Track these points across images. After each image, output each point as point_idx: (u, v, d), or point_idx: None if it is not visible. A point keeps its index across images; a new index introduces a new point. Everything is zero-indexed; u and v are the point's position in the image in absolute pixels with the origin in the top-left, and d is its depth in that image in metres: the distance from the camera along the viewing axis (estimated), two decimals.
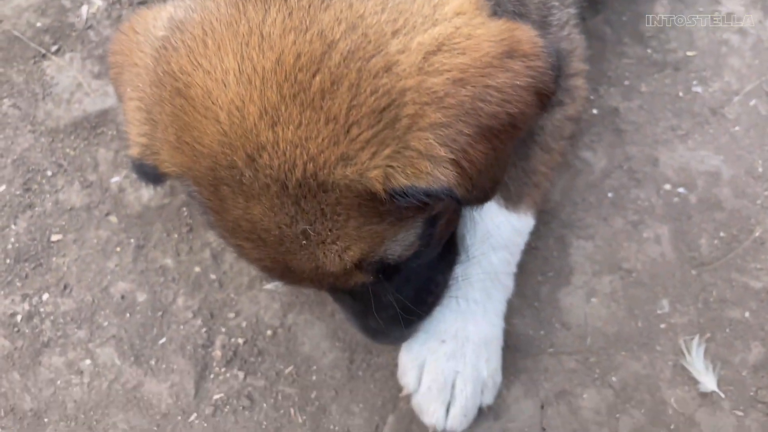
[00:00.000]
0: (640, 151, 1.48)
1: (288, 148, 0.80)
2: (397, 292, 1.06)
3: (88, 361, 1.33)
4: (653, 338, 1.32)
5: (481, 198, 0.94)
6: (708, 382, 1.28)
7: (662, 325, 1.33)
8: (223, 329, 1.34)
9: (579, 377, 1.30)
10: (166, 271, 1.39)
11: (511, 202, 1.25)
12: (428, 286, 1.15)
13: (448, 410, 1.21)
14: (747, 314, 1.33)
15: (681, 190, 1.44)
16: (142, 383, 1.31)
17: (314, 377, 1.31)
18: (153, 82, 0.90)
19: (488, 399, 1.24)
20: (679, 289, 1.36)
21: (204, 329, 1.34)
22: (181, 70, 0.84)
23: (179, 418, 1.29)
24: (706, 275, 1.37)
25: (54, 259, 1.40)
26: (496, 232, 1.23)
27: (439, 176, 0.83)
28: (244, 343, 1.33)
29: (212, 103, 0.82)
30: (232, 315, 1.36)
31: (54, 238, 1.43)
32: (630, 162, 1.47)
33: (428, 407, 1.21)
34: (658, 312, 1.34)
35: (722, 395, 1.27)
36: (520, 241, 1.29)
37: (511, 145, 0.93)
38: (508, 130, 0.87)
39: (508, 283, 1.29)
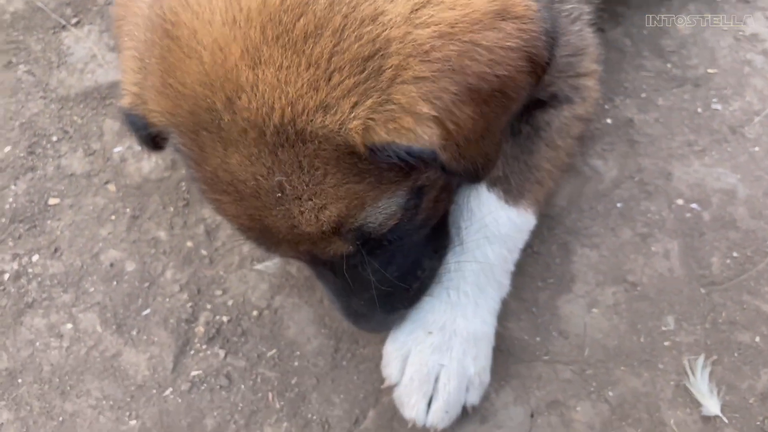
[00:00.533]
0: (654, 163, 1.44)
1: (267, 90, 0.79)
2: (381, 271, 1.03)
3: (69, 326, 1.31)
4: (656, 355, 1.26)
5: (470, 173, 0.91)
6: (711, 405, 1.21)
7: (666, 343, 1.27)
8: (209, 306, 1.32)
9: (574, 388, 1.24)
10: (158, 243, 1.38)
11: (512, 195, 1.21)
12: (414, 270, 1.11)
13: (430, 405, 1.16)
14: (758, 339, 1.27)
15: (694, 206, 1.39)
16: (120, 352, 1.28)
17: (296, 363, 1.27)
18: (147, 27, 0.90)
19: (473, 399, 1.19)
20: (686, 306, 1.30)
21: (189, 304, 1.32)
22: (171, 10, 0.84)
23: (154, 391, 1.25)
24: (715, 295, 1.30)
25: (49, 222, 1.41)
26: (494, 225, 1.19)
27: (422, 135, 0.81)
28: (229, 321, 1.30)
29: (197, 43, 0.82)
30: (219, 292, 1.33)
31: (51, 201, 1.43)
32: (642, 174, 1.42)
33: (409, 400, 1.16)
34: (663, 329, 1.28)
35: (726, 421, 1.20)
36: (519, 238, 1.25)
37: (503, 117, 0.90)
38: (497, 96, 0.85)
39: (504, 282, 1.25)
